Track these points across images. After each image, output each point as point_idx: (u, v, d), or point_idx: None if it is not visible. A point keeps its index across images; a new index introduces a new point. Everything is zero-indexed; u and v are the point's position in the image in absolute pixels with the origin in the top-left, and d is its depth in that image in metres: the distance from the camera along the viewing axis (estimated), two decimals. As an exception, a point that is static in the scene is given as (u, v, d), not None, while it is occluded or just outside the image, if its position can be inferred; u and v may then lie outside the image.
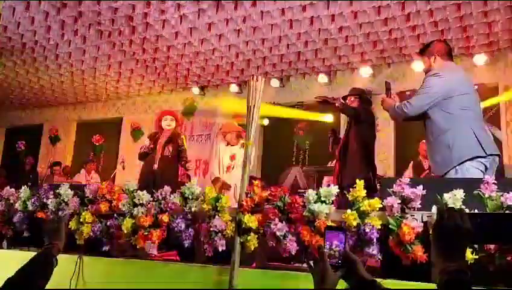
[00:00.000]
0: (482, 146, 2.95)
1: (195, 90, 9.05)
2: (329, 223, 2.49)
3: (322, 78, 7.88)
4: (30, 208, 3.62)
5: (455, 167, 2.94)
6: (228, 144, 5.77)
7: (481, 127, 3.12)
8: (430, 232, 1.42)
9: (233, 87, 8.64)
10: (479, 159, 2.95)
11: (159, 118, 5.60)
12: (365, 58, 7.34)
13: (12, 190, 3.88)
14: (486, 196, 2.25)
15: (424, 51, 3.38)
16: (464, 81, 3.24)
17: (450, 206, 1.44)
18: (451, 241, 1.20)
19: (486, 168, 2.96)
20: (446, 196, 2.29)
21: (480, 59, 6.80)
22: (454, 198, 2.26)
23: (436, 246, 1.23)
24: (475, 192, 2.27)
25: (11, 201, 3.78)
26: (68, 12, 6.37)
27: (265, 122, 8.19)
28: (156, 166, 5.15)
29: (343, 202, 2.74)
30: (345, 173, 4.65)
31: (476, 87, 3.41)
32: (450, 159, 2.99)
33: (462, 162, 2.94)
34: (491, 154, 2.98)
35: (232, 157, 5.65)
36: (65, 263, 3.10)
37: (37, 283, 1.85)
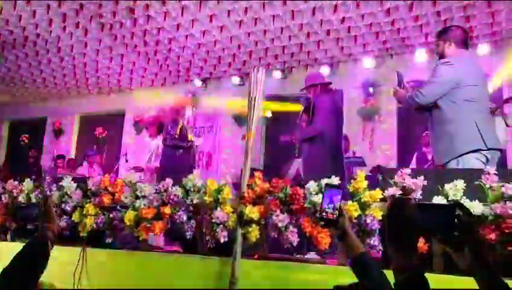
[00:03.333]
0: (483, 139, 2.94)
1: (197, 82, 9.04)
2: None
3: (324, 69, 7.84)
4: (33, 200, 3.65)
5: (457, 157, 2.94)
6: (150, 136, 5.96)
7: (485, 119, 3.08)
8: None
9: (235, 79, 8.62)
10: (481, 151, 2.95)
11: (177, 110, 5.67)
12: (368, 49, 7.30)
13: (16, 182, 3.90)
14: (487, 186, 2.25)
15: (441, 34, 3.31)
16: (474, 72, 3.17)
17: (399, 196, 1.47)
18: (401, 232, 1.20)
19: (487, 160, 2.95)
20: (447, 186, 2.29)
21: (483, 49, 6.75)
22: (455, 189, 2.26)
23: (388, 237, 1.23)
24: (476, 182, 2.27)
25: (15, 194, 3.81)
26: (69, 4, 6.36)
27: (268, 114, 8.11)
28: (179, 153, 5.29)
29: None
30: (306, 171, 4.28)
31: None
32: (451, 150, 2.98)
33: (464, 154, 2.94)
34: (492, 149, 2.97)
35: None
36: (69, 254, 3.13)
37: (34, 271, 1.74)
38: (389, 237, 1.23)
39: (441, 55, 3.24)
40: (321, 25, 6.56)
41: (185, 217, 2.91)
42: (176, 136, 5.53)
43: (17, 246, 1.80)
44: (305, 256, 2.94)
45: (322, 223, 1.62)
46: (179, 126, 5.62)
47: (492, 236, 2.14)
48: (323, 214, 1.59)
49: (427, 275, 1.20)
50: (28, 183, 3.79)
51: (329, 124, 4.29)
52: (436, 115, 3.13)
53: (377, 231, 2.44)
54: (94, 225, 3.24)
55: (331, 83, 4.86)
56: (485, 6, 5.87)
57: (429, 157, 5.83)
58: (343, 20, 6.41)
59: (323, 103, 4.34)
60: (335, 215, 1.57)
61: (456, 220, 1.20)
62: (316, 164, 4.17)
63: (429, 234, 1.34)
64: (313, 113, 4.33)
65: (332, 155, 4.24)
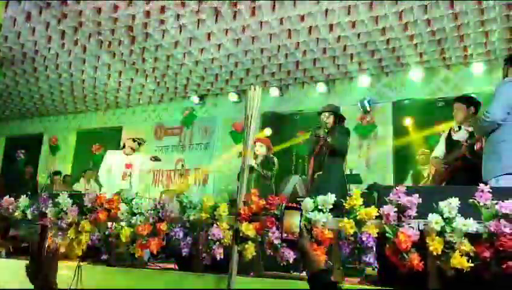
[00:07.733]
0: None
1: (195, 99, 9.09)
2: (326, 231, 2.51)
3: (321, 87, 7.92)
4: (29, 217, 3.63)
5: (497, 176, 3.02)
6: (125, 153, 6.06)
7: None
8: None
9: (233, 96, 8.67)
10: None
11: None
12: (363, 68, 7.39)
13: (12, 199, 3.88)
14: (481, 204, 2.26)
15: (507, 61, 3.42)
16: None
17: None
18: None
19: None
20: (442, 204, 2.31)
21: (477, 68, 6.85)
22: (450, 206, 2.27)
23: None
24: (470, 200, 2.28)
25: (10, 210, 3.79)
26: (68, 22, 6.43)
27: (267, 132, 8.06)
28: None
29: None
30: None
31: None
32: (498, 168, 3.07)
33: (506, 174, 3.01)
34: None
35: (128, 166, 5.92)
36: (64, 270, 3.11)
37: None
38: None
39: (505, 76, 3.37)
40: (317, 43, 6.65)
41: (181, 234, 2.91)
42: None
43: (11, 264, 1.79)
44: (301, 273, 2.93)
45: (284, 244, 1.69)
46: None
47: (487, 254, 2.15)
48: (285, 235, 1.66)
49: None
50: (23, 200, 3.77)
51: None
52: (493, 134, 3.21)
53: (373, 248, 2.44)
54: (90, 242, 3.22)
55: (345, 119, 5.08)
56: (479, 25, 5.97)
57: (425, 174, 5.85)
58: (338, 38, 6.50)
59: (342, 130, 4.77)
60: (295, 237, 1.65)
61: None
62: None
63: None
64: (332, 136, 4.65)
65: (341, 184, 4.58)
